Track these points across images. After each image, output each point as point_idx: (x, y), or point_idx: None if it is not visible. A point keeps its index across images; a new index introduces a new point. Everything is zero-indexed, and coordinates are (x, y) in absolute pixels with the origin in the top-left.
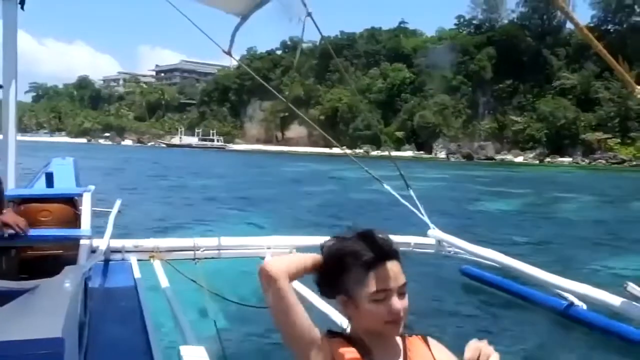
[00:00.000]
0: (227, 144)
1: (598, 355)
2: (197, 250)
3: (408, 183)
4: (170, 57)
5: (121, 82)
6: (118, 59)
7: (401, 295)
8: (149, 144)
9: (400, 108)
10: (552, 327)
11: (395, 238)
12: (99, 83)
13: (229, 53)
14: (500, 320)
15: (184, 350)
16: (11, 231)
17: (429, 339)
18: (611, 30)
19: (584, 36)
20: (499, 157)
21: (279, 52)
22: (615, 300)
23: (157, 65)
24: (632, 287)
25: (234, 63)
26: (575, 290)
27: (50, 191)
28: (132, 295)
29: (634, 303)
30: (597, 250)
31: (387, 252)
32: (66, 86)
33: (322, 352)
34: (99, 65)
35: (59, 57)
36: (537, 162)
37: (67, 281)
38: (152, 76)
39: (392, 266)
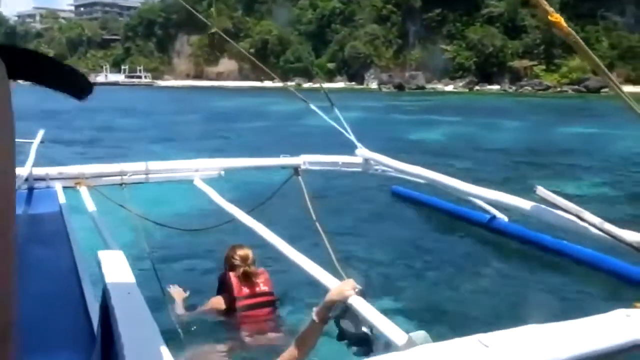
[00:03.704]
0: (156, 81)
1: (516, 262)
2: (124, 175)
3: (333, 102)
4: None
5: (38, 18)
6: None
7: None
8: None
9: (331, 39)
10: (477, 239)
11: (323, 158)
12: (13, 19)
13: None
14: (428, 236)
15: (102, 254)
16: None
17: None
18: None
19: None
20: (429, 86)
21: None
22: (527, 205)
23: (75, 0)
24: (540, 190)
25: None
26: (495, 199)
27: None
28: (58, 220)
29: (542, 205)
30: (521, 171)
31: None
32: None
33: None
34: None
35: None
36: (467, 90)
37: None
38: (71, 11)
39: None
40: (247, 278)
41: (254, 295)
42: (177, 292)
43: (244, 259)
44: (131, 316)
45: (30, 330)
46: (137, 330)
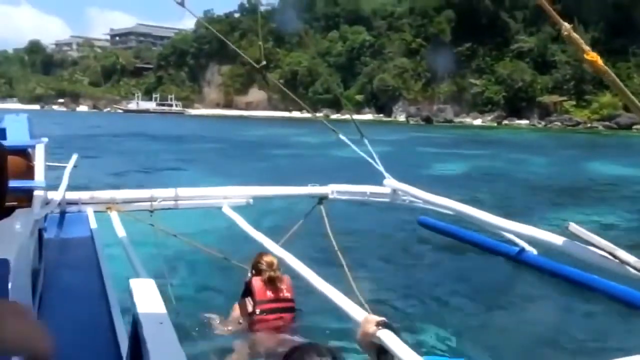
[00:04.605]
0: (186, 109)
1: (547, 295)
2: (154, 201)
3: (363, 133)
4: (121, 19)
5: (74, 46)
6: (68, 23)
7: None
8: (105, 109)
9: (360, 71)
10: (506, 272)
11: (351, 187)
12: (51, 48)
13: (181, 4)
14: (456, 267)
15: (134, 283)
16: None
17: None
18: None
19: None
20: (457, 119)
21: (236, 15)
22: (559, 240)
23: (111, 29)
24: (573, 226)
25: (192, 19)
26: (525, 234)
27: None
28: (88, 244)
29: (575, 242)
30: (550, 206)
31: None
32: (16, 51)
33: None
34: (49, 29)
35: (5, 20)
36: (495, 124)
37: (18, 223)
38: (106, 40)
39: None
40: (272, 283)
41: (277, 300)
42: (213, 319)
43: (270, 264)
44: (162, 348)
45: (59, 356)
46: None
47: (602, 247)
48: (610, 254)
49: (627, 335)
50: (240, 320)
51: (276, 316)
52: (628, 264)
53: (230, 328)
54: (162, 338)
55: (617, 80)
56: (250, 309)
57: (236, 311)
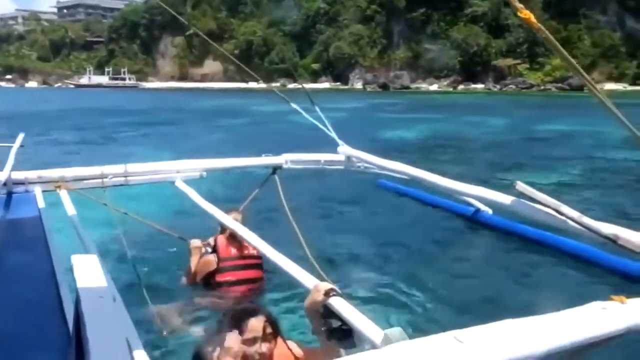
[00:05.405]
0: (140, 82)
1: (500, 252)
2: (105, 177)
3: (314, 102)
4: None
5: (20, 20)
6: None
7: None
8: (56, 85)
9: (315, 40)
10: (459, 232)
11: (304, 156)
12: None
13: None
14: (414, 227)
15: (76, 259)
16: None
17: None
18: None
19: None
20: (414, 85)
21: None
22: (507, 200)
23: (58, 2)
24: (520, 185)
25: None
26: (476, 194)
27: None
28: (37, 224)
29: (522, 200)
30: (505, 164)
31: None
32: None
33: None
34: None
35: None
36: (451, 89)
37: None
38: (53, 13)
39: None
40: (235, 239)
41: (242, 257)
42: (195, 246)
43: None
44: (102, 320)
45: (7, 335)
46: (107, 334)
47: (547, 204)
48: (555, 210)
49: (573, 287)
50: (205, 279)
51: (240, 273)
52: (572, 218)
53: (187, 282)
54: (102, 311)
55: (552, 37)
56: (214, 265)
57: (201, 265)
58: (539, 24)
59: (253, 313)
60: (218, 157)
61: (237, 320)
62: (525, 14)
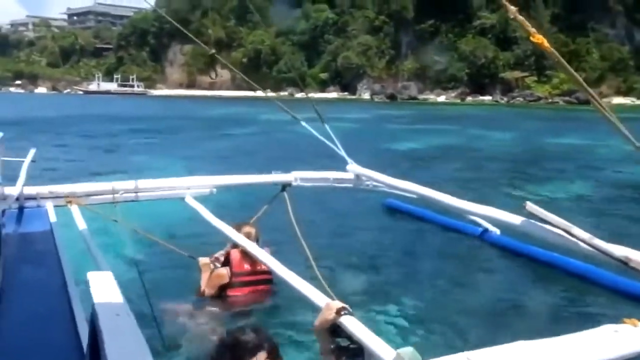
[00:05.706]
0: (148, 90)
1: (508, 276)
2: (116, 193)
3: (323, 119)
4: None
5: (30, 26)
6: (23, 2)
7: None
8: (65, 91)
9: (324, 50)
10: (469, 253)
11: (314, 174)
12: (5, 28)
13: None
14: (421, 249)
15: (92, 275)
16: None
17: None
18: None
19: None
20: (421, 96)
21: None
22: (517, 220)
23: (68, 9)
24: (530, 205)
25: (151, 2)
26: (485, 214)
27: None
28: (48, 239)
29: (532, 221)
30: (513, 180)
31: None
32: None
33: None
34: (3, 9)
35: None
36: (459, 100)
37: None
38: (63, 20)
39: None
40: (248, 255)
41: (254, 272)
42: (204, 263)
43: (248, 235)
44: (119, 338)
45: (19, 348)
46: (125, 351)
47: (557, 224)
48: (566, 231)
49: (584, 309)
50: (217, 292)
51: (251, 288)
52: (583, 240)
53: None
54: (119, 328)
55: (562, 59)
56: (227, 279)
57: (214, 277)
58: (552, 48)
59: (254, 351)
60: (226, 166)
61: None
62: (538, 38)
